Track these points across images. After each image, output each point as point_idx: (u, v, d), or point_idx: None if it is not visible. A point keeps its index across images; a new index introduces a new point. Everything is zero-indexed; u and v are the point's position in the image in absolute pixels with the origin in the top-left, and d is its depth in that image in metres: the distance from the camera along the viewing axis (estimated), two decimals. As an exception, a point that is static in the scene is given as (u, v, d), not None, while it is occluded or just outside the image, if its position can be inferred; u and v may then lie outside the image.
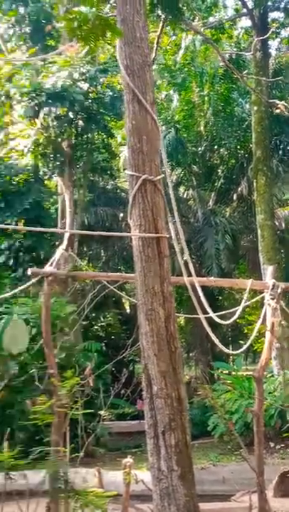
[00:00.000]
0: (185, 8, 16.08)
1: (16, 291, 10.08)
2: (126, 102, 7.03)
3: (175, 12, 13.59)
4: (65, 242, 16.18)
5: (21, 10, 23.40)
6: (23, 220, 22.11)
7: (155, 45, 12.19)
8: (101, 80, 20.50)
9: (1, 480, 8.38)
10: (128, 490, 8.33)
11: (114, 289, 9.33)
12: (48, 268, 8.93)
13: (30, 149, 20.61)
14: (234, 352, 18.34)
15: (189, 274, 7.83)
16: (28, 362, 15.82)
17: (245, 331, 25.42)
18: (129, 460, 8.40)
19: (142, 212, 6.73)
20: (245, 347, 10.61)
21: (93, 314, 23.36)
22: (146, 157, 6.82)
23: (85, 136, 21.81)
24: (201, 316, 7.98)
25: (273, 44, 27.16)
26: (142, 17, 6.94)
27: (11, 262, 22.54)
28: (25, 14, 23.35)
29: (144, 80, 6.94)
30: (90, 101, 20.03)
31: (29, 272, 8.85)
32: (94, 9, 5.80)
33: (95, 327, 26.30)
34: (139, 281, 6.63)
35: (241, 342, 25.40)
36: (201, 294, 8.00)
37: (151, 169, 6.82)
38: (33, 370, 14.28)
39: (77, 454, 8.27)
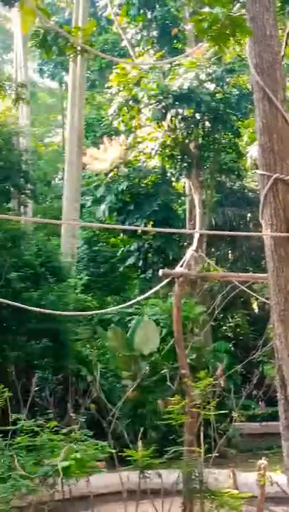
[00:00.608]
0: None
1: (149, 293, 10.16)
2: (256, 100, 6.96)
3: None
4: (195, 243, 16.35)
5: (148, 14, 23.73)
6: (151, 222, 22.43)
7: (284, 42, 11.97)
8: (227, 79, 20.41)
9: (136, 478, 8.52)
10: (263, 492, 8.22)
11: (246, 289, 9.23)
12: (178, 269, 8.96)
13: (158, 151, 20.82)
14: None
15: None
16: (159, 362, 15.98)
17: None
18: (263, 462, 8.30)
19: (273, 211, 6.65)
20: None
21: (221, 315, 23.29)
22: (278, 156, 6.72)
23: (212, 136, 21.78)
24: None
25: None
26: (271, 14, 6.85)
27: (140, 263, 22.91)
28: (152, 18, 23.66)
29: (274, 78, 6.84)
30: (216, 101, 19.98)
31: (160, 273, 8.89)
32: (224, 9, 5.77)
33: (224, 327, 26.20)
34: (272, 282, 6.55)
35: None
36: None
37: (283, 168, 6.71)
38: (164, 371, 14.41)
39: (210, 455, 8.28)
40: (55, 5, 36.93)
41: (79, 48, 9.66)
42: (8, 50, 47.61)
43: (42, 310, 10.89)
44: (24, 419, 9.30)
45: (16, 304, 9.98)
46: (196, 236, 18.81)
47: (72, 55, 10.85)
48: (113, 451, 9.16)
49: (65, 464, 8.15)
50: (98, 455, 8.77)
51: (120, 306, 13.73)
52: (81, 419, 12.33)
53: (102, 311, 16.49)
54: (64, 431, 9.34)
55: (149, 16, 23.81)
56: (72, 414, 12.58)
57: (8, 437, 9.16)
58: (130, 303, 12.43)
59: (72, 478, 8.65)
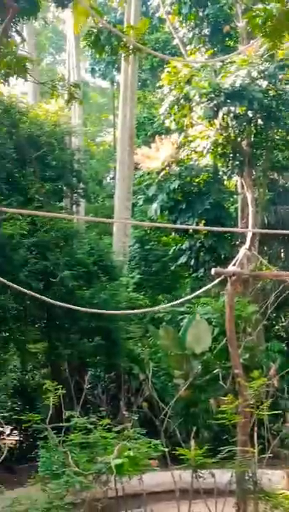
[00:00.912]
0: None
1: (200, 291, 10.13)
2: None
3: None
4: (248, 241, 16.21)
5: (200, 13, 23.69)
6: (203, 221, 22.38)
7: None
8: (280, 76, 20.15)
9: (189, 477, 8.51)
10: None
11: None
12: (231, 268, 8.92)
13: (210, 150, 20.71)
14: None
15: None
16: (211, 361, 15.92)
17: None
18: None
19: None
20: None
21: (274, 314, 23.10)
22: None
23: (265, 134, 21.56)
24: None
25: None
26: None
27: (192, 261, 22.88)
28: (204, 16, 23.61)
29: None
30: (269, 98, 19.77)
31: (213, 271, 8.86)
32: (278, 4, 5.71)
33: (277, 327, 25.97)
34: None
35: None
36: None
37: None
38: (216, 370, 14.35)
39: (263, 455, 8.21)
40: (107, 5, 37.12)
41: (132, 46, 9.70)
42: (61, 51, 48.20)
43: (89, 310, 10.94)
44: (77, 417, 9.37)
45: (64, 304, 10.10)
46: (249, 235, 18.65)
47: (125, 54, 10.90)
48: (166, 449, 9.17)
49: (118, 461, 8.19)
50: (151, 453, 8.79)
51: (171, 303, 13.71)
52: (134, 418, 12.37)
53: (153, 308, 16.47)
54: (117, 429, 9.39)
55: (200, 14, 23.75)
56: (124, 412, 12.64)
57: (62, 434, 9.24)
58: (181, 300, 12.38)
59: (125, 476, 8.69)
